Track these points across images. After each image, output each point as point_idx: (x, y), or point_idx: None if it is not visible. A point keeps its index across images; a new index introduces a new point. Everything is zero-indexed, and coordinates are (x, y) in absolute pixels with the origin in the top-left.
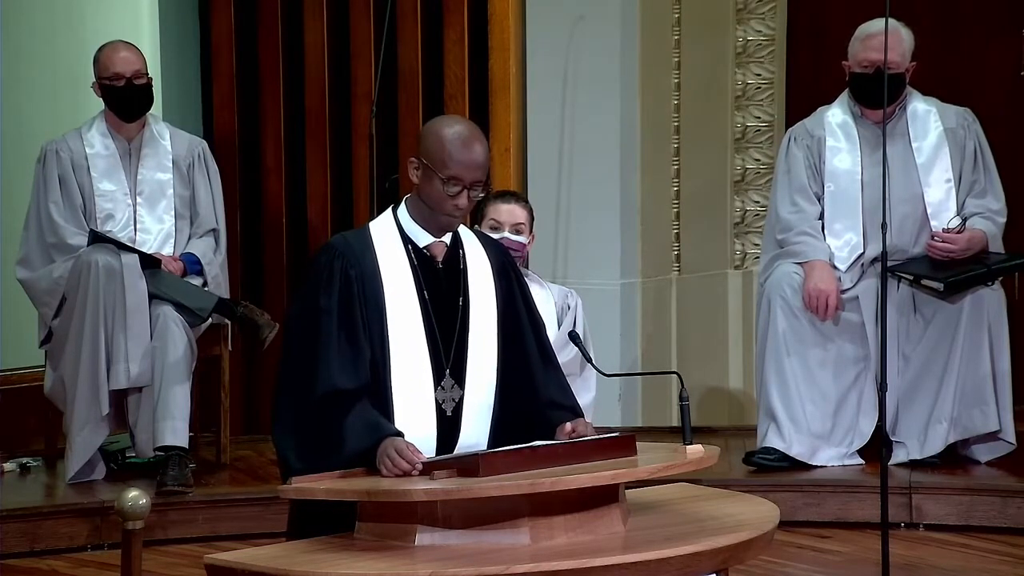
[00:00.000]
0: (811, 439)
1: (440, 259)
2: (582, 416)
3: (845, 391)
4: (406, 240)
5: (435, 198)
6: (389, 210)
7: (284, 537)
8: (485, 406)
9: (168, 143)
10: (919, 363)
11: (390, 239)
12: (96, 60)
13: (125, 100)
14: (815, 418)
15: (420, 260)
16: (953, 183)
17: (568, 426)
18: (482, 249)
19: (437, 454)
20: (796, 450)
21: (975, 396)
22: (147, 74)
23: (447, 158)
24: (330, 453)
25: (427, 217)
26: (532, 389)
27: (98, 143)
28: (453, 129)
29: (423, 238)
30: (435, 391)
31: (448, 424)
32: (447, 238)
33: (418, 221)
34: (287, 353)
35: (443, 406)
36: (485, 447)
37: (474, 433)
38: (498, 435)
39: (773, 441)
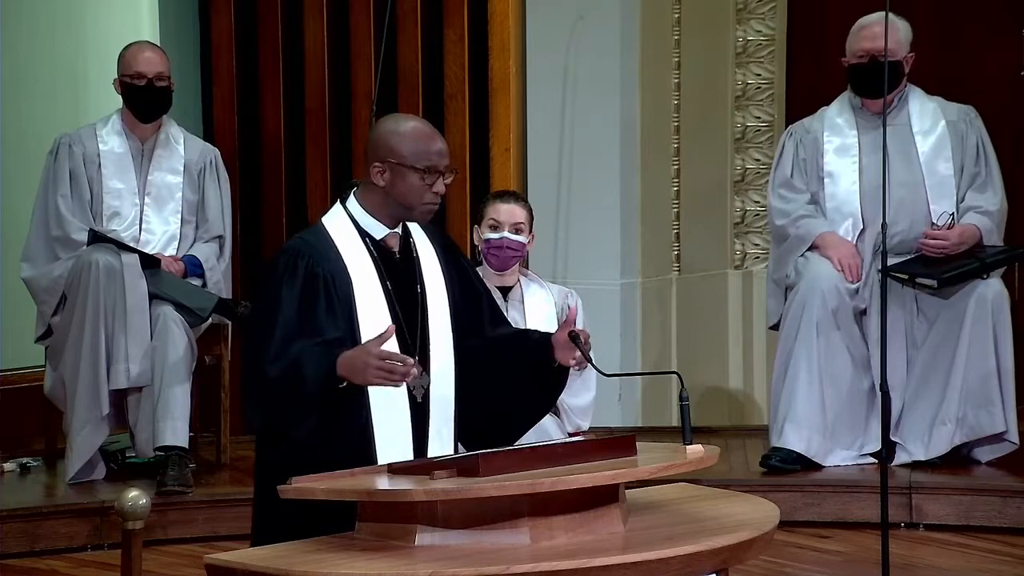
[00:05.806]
0: (828, 440)
1: (396, 250)
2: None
3: (862, 395)
4: (363, 234)
5: (413, 193)
6: (338, 205)
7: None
8: (448, 391)
9: (182, 147)
10: (923, 364)
11: (348, 234)
12: (121, 57)
13: (144, 100)
14: (832, 420)
15: (379, 252)
16: (953, 171)
17: (559, 336)
18: (425, 236)
19: (413, 441)
20: (814, 450)
21: (981, 396)
22: (170, 78)
23: (420, 150)
24: (295, 392)
25: (392, 212)
26: (496, 346)
27: (112, 141)
28: (410, 124)
29: (378, 231)
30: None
31: (420, 411)
32: (399, 228)
33: (372, 214)
34: (249, 343)
35: (414, 392)
36: (452, 434)
37: (440, 419)
38: (465, 422)
39: (791, 440)
